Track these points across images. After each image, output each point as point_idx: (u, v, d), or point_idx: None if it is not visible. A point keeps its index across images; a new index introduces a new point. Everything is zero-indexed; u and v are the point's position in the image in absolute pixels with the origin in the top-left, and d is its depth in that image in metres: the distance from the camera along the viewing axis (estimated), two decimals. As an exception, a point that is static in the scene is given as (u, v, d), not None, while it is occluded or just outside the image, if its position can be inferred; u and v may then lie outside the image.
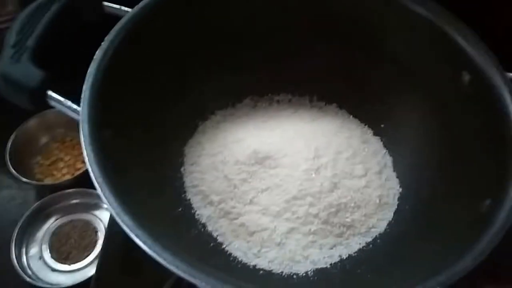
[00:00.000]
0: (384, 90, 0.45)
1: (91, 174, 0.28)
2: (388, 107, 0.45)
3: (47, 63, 0.34)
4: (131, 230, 0.27)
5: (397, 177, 0.43)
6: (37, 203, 0.52)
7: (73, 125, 0.54)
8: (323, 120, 0.46)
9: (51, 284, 0.48)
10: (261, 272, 0.37)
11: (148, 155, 0.39)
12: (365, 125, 0.46)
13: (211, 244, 0.38)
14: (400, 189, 0.42)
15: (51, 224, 0.52)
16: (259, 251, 0.38)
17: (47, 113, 0.57)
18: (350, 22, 0.43)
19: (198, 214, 0.40)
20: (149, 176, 0.38)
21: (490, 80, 0.36)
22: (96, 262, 0.46)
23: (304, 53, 0.46)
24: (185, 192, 0.41)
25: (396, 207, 0.41)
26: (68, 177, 0.55)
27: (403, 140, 0.44)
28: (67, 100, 0.32)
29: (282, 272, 0.37)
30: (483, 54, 0.37)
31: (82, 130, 0.30)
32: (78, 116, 0.31)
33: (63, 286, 0.47)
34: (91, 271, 0.48)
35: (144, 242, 0.26)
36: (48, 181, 0.55)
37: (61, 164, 0.57)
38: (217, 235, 0.39)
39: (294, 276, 0.37)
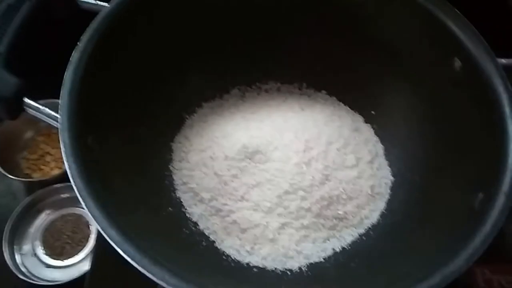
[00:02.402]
0: (374, 76, 0.43)
1: (75, 188, 0.27)
2: (379, 93, 0.44)
3: (20, 68, 0.32)
4: (118, 246, 0.26)
5: (389, 166, 0.42)
6: (27, 198, 0.51)
7: None
8: (313, 109, 0.45)
9: (47, 280, 0.48)
10: (254, 269, 0.37)
11: (134, 156, 0.38)
12: (355, 112, 0.46)
13: (204, 243, 0.38)
14: (392, 178, 0.42)
15: (42, 219, 0.52)
16: (252, 248, 0.38)
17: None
18: (338, 8, 0.41)
19: (189, 213, 0.39)
20: (136, 178, 0.37)
21: (481, 66, 0.35)
22: (90, 257, 0.45)
23: (291, 41, 0.44)
24: (174, 190, 0.40)
25: (388, 197, 0.41)
26: (56, 171, 0.54)
27: (394, 127, 0.43)
28: (45, 108, 0.31)
29: (276, 268, 0.37)
30: (474, 40, 0.36)
31: (62, 140, 0.29)
32: (57, 124, 0.30)
33: (59, 282, 0.47)
34: (86, 265, 0.48)
35: (133, 257, 0.26)
36: (36, 176, 0.54)
37: (48, 158, 0.56)
38: (209, 234, 0.39)
39: (288, 272, 0.37)
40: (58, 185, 0.52)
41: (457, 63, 0.37)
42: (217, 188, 0.39)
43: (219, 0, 0.42)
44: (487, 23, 0.36)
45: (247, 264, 0.37)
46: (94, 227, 0.51)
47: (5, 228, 0.49)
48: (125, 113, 0.37)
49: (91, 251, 0.49)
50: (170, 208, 0.39)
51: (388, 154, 0.43)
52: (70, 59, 0.32)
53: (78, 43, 0.33)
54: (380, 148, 0.44)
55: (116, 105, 0.36)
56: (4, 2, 0.33)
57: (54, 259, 0.49)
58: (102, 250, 0.43)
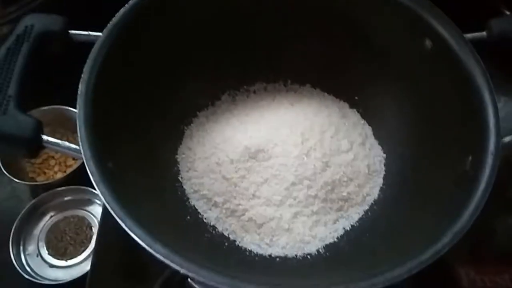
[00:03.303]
0: (352, 64, 0.47)
1: (112, 211, 0.29)
2: (359, 80, 0.47)
3: (30, 104, 0.33)
4: (156, 251, 0.28)
5: (379, 144, 0.46)
6: (32, 202, 0.53)
7: (61, 122, 0.55)
8: (301, 103, 0.48)
9: (50, 280, 0.49)
10: (277, 259, 0.40)
11: (146, 174, 0.39)
12: (340, 100, 0.49)
13: (226, 244, 0.40)
14: (384, 155, 0.45)
15: (46, 221, 0.53)
16: (271, 240, 0.40)
17: (33, 112, 0.55)
18: (314, 1, 0.44)
19: (206, 218, 0.42)
20: (153, 194, 0.39)
21: (449, 43, 0.39)
22: (91, 257, 0.47)
23: (272, 42, 0.47)
24: (188, 199, 0.43)
25: (384, 172, 0.44)
26: (60, 174, 0.56)
27: (378, 108, 0.47)
28: (64, 142, 0.32)
29: (296, 255, 0.40)
30: (441, 19, 0.40)
31: (89, 169, 0.30)
32: (78, 155, 0.32)
33: (62, 281, 0.49)
34: (88, 265, 0.49)
35: (172, 259, 0.28)
36: (40, 179, 0.55)
37: (52, 162, 0.57)
38: (228, 234, 0.41)
39: (308, 257, 0.40)
40: (61, 188, 0.54)
41: (428, 43, 0.41)
42: (228, 191, 0.42)
43: (203, 11, 0.44)
44: (448, 3, 0.40)
45: (269, 255, 0.40)
46: (95, 228, 0.52)
47: (12, 230, 0.50)
48: (133, 134, 0.39)
49: (92, 251, 0.50)
50: (188, 217, 0.41)
51: (376, 134, 0.47)
52: (78, 91, 0.34)
53: (82, 75, 0.34)
54: (368, 129, 0.47)
55: (125, 128, 0.37)
56: (3, 47, 0.34)
57: (58, 259, 0.51)
58: (102, 250, 0.45)
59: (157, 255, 0.28)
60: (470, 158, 0.35)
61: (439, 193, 0.36)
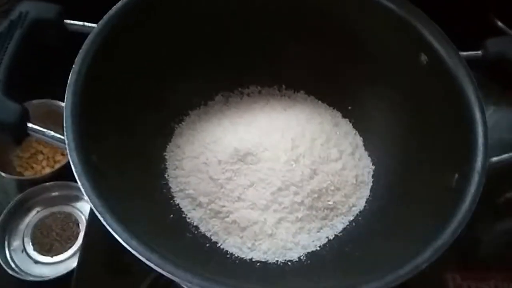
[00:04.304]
0: (347, 74, 0.47)
1: (91, 205, 0.29)
2: (353, 90, 0.47)
3: (18, 92, 0.33)
4: (134, 249, 0.28)
5: (369, 155, 0.46)
6: (18, 196, 0.53)
7: (51, 117, 0.55)
8: (294, 108, 0.48)
9: (35, 276, 0.49)
10: (258, 264, 0.39)
11: (132, 170, 0.39)
12: (333, 108, 0.49)
13: (207, 245, 0.40)
14: (373, 167, 0.45)
15: (32, 216, 0.53)
16: (253, 244, 0.40)
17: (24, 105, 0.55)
18: (312, 10, 0.44)
19: (189, 218, 0.41)
20: (136, 191, 0.38)
21: (445, 59, 0.39)
22: (78, 254, 0.47)
23: (270, 46, 0.47)
24: (173, 197, 0.42)
25: (371, 184, 0.44)
26: (48, 169, 0.55)
27: (370, 119, 0.47)
28: (49, 131, 0.32)
29: (277, 261, 0.40)
30: (438, 35, 0.40)
31: (72, 160, 0.30)
32: (62, 145, 0.31)
33: (47, 278, 0.48)
34: (74, 262, 0.49)
35: (149, 258, 0.28)
36: (28, 174, 0.55)
37: (40, 157, 0.57)
38: (210, 235, 0.41)
39: (289, 263, 0.39)
40: (49, 183, 0.53)
41: (423, 58, 0.41)
42: (214, 192, 0.41)
43: (199, 12, 0.44)
44: (445, 21, 0.40)
45: (250, 259, 0.39)
46: (82, 225, 0.52)
47: None
48: (121, 128, 0.38)
49: (78, 249, 0.50)
50: (171, 215, 0.41)
51: (367, 145, 0.46)
52: (68, 81, 0.33)
53: (73, 65, 0.34)
54: (359, 139, 0.47)
55: (113, 121, 0.37)
56: (-4, 31, 0.33)
57: (43, 255, 0.50)
58: (89, 247, 0.44)
59: (134, 252, 0.28)
60: (456, 175, 0.35)
61: (423, 208, 0.36)
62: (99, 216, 0.28)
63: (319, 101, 0.49)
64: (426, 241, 0.31)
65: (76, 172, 0.30)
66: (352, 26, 0.44)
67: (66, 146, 0.31)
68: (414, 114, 0.42)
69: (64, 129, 0.31)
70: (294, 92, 0.50)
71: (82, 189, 0.29)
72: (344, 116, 0.48)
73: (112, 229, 0.29)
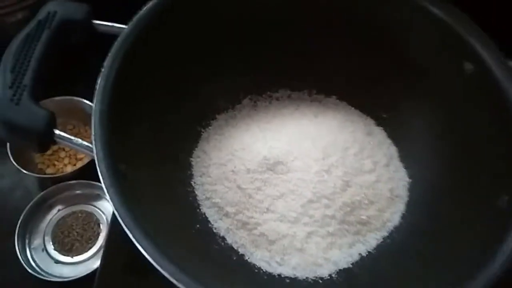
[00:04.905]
0: (385, 80, 0.44)
1: (119, 218, 0.27)
2: (390, 97, 0.45)
3: (44, 95, 0.32)
4: (161, 266, 0.27)
5: (405, 167, 0.44)
6: (40, 194, 0.52)
7: (74, 113, 0.54)
8: (326, 115, 0.46)
9: (55, 276, 0.48)
10: (287, 280, 0.37)
11: (158, 176, 0.38)
12: (367, 115, 0.46)
13: (234, 258, 0.38)
14: (409, 180, 0.43)
15: (53, 215, 0.52)
16: (282, 259, 0.38)
17: (46, 102, 0.54)
18: (353, 15, 0.42)
19: (216, 228, 0.40)
20: (163, 199, 0.37)
21: (491, 69, 0.37)
22: (98, 255, 0.46)
23: (301, 48, 0.45)
24: (199, 206, 0.41)
25: (407, 198, 0.42)
26: (69, 168, 0.55)
27: (407, 129, 0.44)
28: (77, 139, 0.30)
29: (307, 277, 0.38)
30: (484, 43, 0.37)
31: (101, 171, 0.29)
32: (90, 153, 0.30)
33: (67, 279, 0.47)
34: (95, 263, 0.49)
35: (172, 275, 0.26)
36: (49, 172, 0.54)
37: (62, 154, 0.56)
38: (237, 247, 0.39)
39: (320, 281, 0.38)
40: (71, 182, 0.53)
41: (468, 66, 0.38)
42: (242, 202, 0.40)
43: (230, 12, 0.42)
44: (494, 28, 0.37)
45: (279, 275, 0.38)
46: (103, 225, 0.51)
47: (18, 222, 0.49)
48: (149, 134, 0.37)
49: (99, 249, 0.49)
50: (197, 225, 0.39)
51: (402, 156, 0.44)
52: (96, 87, 0.32)
53: (101, 69, 0.33)
54: (394, 150, 0.45)
55: (141, 128, 0.36)
56: (23, 32, 0.32)
57: (64, 255, 0.50)
58: (112, 249, 0.43)
59: (164, 272, 0.26)
60: (506, 197, 0.32)
61: (468, 230, 0.34)
62: (128, 232, 0.27)
63: (352, 108, 0.47)
64: (474, 266, 0.29)
65: (105, 184, 0.29)
66: (394, 31, 0.41)
67: (95, 155, 0.29)
68: (456, 126, 0.40)
69: (93, 137, 0.30)
70: (325, 97, 0.48)
71: (111, 203, 0.28)
72: (378, 125, 0.46)
73: (142, 247, 0.27)
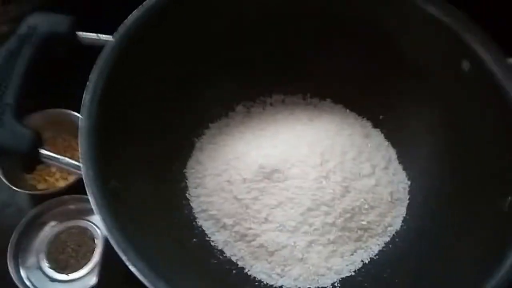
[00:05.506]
0: (380, 80, 0.43)
1: (111, 240, 0.26)
2: (386, 98, 0.44)
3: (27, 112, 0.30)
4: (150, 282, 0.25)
5: (404, 169, 0.43)
6: (32, 210, 0.50)
7: (63, 126, 0.52)
8: (321, 119, 0.45)
9: None
10: (289, 292, 0.36)
11: (151, 190, 0.37)
12: (363, 118, 0.45)
13: (234, 271, 0.37)
14: (409, 182, 0.42)
15: (47, 232, 0.50)
16: (282, 270, 0.37)
17: (35, 115, 0.53)
18: (344, 16, 0.41)
19: (213, 241, 0.39)
20: (157, 213, 0.36)
21: (490, 67, 0.36)
22: (94, 271, 0.44)
23: (295, 53, 0.44)
24: (195, 218, 0.40)
25: (408, 201, 0.41)
26: (62, 182, 0.53)
27: (405, 130, 0.43)
28: (64, 158, 0.29)
29: (309, 288, 0.37)
30: (482, 40, 0.36)
31: (91, 192, 0.27)
32: (79, 172, 0.29)
33: None
34: (91, 280, 0.47)
35: None
36: (41, 187, 0.52)
37: (53, 169, 0.54)
38: (237, 260, 0.38)
39: (323, 291, 0.37)
40: (63, 197, 0.50)
41: (466, 64, 0.37)
42: (239, 213, 0.39)
43: (219, 20, 0.41)
44: (492, 25, 0.36)
45: (280, 287, 0.37)
46: (98, 240, 0.49)
47: (10, 241, 0.47)
48: (138, 148, 0.36)
49: (95, 265, 0.48)
50: (194, 239, 0.38)
51: (401, 158, 0.43)
52: (82, 102, 0.30)
53: (88, 83, 0.31)
54: (392, 152, 0.44)
55: (131, 142, 0.34)
56: (3, 48, 0.31)
57: (59, 272, 0.48)
58: (109, 266, 0.42)
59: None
60: (510, 198, 0.31)
61: (472, 233, 0.33)
62: (121, 255, 0.26)
63: (347, 110, 0.46)
64: (482, 271, 0.28)
65: (95, 205, 0.27)
66: (389, 30, 0.40)
67: (83, 175, 0.28)
68: (456, 127, 0.39)
69: (80, 155, 0.29)
70: (320, 101, 0.46)
71: (103, 223, 0.27)
72: (374, 126, 0.45)
73: (136, 268, 0.26)
